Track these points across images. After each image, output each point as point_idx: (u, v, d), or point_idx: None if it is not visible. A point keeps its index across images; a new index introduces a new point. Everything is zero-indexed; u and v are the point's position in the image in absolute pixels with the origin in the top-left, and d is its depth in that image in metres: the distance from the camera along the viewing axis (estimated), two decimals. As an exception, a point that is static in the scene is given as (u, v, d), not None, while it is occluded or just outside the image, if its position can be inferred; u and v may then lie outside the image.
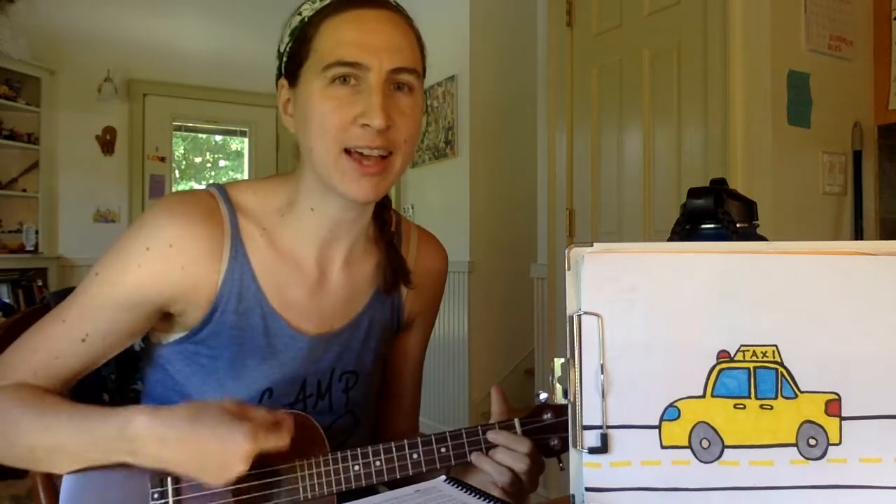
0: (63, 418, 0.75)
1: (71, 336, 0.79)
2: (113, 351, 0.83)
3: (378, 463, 0.78)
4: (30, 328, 0.82)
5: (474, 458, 0.80)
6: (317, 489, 0.77)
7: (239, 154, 5.75)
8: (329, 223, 0.86)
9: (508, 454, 0.79)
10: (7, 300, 4.00)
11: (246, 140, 5.29)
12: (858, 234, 2.08)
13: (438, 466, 0.80)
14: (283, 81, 0.84)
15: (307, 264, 0.88)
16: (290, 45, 0.82)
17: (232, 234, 0.84)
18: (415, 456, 0.79)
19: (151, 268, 0.79)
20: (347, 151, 0.78)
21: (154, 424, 0.70)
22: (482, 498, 0.69)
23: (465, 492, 0.71)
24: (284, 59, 0.83)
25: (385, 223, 0.93)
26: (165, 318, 0.85)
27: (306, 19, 0.80)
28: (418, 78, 0.80)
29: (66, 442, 0.74)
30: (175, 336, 0.86)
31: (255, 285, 0.84)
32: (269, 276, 0.85)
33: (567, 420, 0.66)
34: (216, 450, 0.69)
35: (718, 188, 0.79)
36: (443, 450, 0.80)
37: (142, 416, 0.71)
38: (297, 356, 0.87)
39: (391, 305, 0.95)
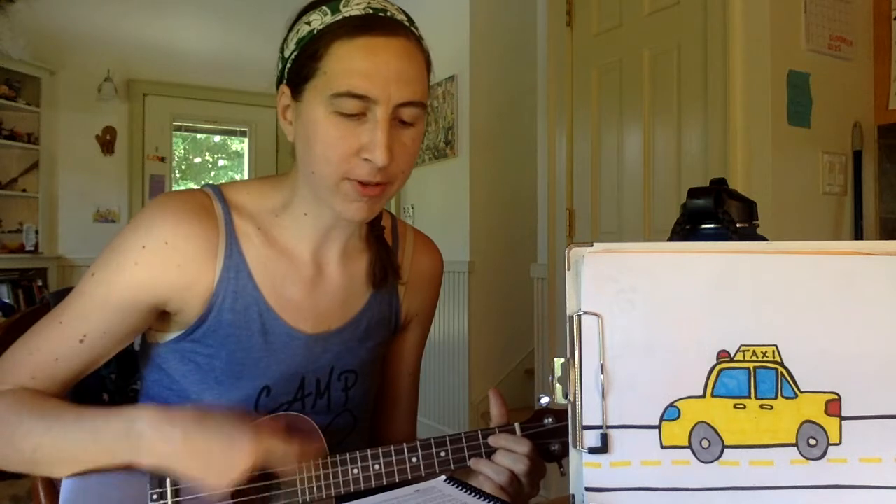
0: (66, 419, 0.74)
1: (69, 337, 0.79)
2: (111, 351, 0.83)
3: (377, 467, 0.78)
4: (28, 331, 0.81)
5: (472, 462, 0.80)
6: (315, 492, 0.76)
7: (239, 154, 5.76)
8: (322, 227, 0.87)
9: (508, 455, 0.79)
10: (7, 300, 4.00)
11: (246, 140, 5.30)
12: (858, 234, 2.08)
13: (438, 471, 0.80)
14: (285, 89, 0.81)
15: (303, 261, 0.88)
16: (295, 53, 0.79)
17: (227, 232, 0.84)
18: (414, 460, 0.79)
19: (148, 266, 0.80)
20: (347, 178, 0.78)
21: (160, 423, 0.70)
22: (482, 498, 0.69)
23: (465, 491, 0.71)
24: (289, 65, 0.80)
25: (375, 219, 0.93)
26: (162, 316, 0.85)
27: (315, 32, 0.77)
28: (424, 109, 0.80)
29: (70, 443, 0.73)
30: (172, 335, 0.86)
31: (252, 283, 0.84)
32: (265, 274, 0.85)
33: (567, 424, 0.66)
34: (221, 451, 0.69)
35: (718, 188, 0.79)
36: (442, 454, 0.80)
37: (147, 414, 0.72)
38: (294, 354, 0.87)
39: (389, 305, 0.96)
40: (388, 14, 0.78)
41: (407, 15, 0.81)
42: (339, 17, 0.77)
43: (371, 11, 0.77)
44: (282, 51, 0.83)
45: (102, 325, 0.80)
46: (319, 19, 0.78)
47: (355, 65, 0.75)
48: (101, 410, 0.75)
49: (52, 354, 0.79)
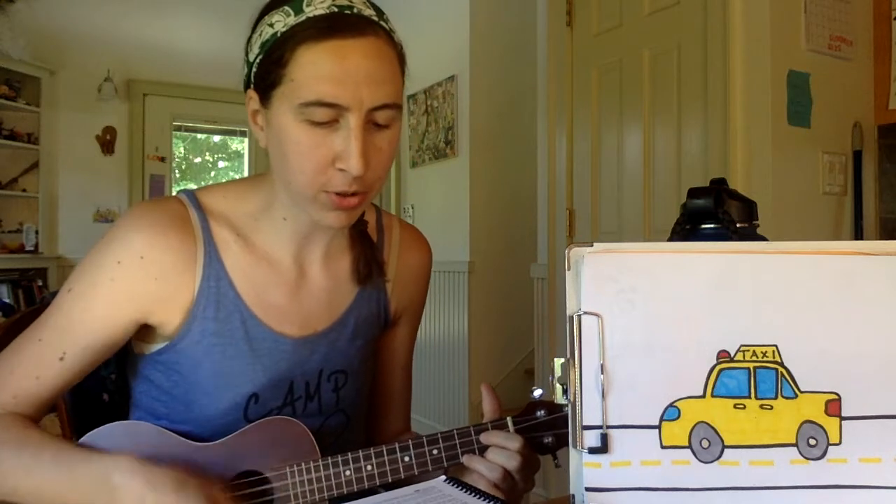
0: (44, 460, 0.73)
1: (48, 355, 0.78)
2: (93, 365, 0.81)
3: (369, 467, 0.77)
4: (7, 347, 0.80)
5: (466, 459, 0.79)
6: (308, 496, 0.76)
7: (239, 154, 5.76)
8: (303, 231, 0.86)
9: (500, 452, 0.78)
10: (7, 300, 4.00)
11: (246, 140, 5.30)
12: (858, 234, 2.08)
13: (431, 469, 0.79)
14: (253, 94, 0.78)
15: (285, 265, 0.86)
16: (260, 58, 0.76)
17: (205, 241, 0.82)
18: (406, 459, 0.78)
19: (124, 281, 0.78)
20: (324, 191, 0.76)
21: (137, 480, 0.69)
22: (482, 498, 0.69)
23: (465, 491, 0.71)
24: (254, 69, 0.77)
25: (359, 217, 0.91)
26: (145, 328, 0.83)
27: (279, 35, 0.73)
28: (399, 110, 0.76)
29: (48, 486, 0.72)
30: (156, 346, 0.84)
31: (233, 291, 0.83)
32: (246, 281, 0.84)
33: (560, 416, 0.65)
34: None
35: (718, 188, 0.79)
36: (434, 452, 0.79)
37: (126, 466, 0.70)
38: (281, 359, 0.85)
39: (377, 302, 0.94)
40: (355, 11, 0.74)
41: (375, 7, 0.77)
42: (302, 17, 0.73)
43: (336, 10, 0.73)
44: (246, 53, 0.79)
45: (82, 342, 0.79)
46: (282, 21, 0.74)
47: (323, 71, 0.71)
48: (80, 452, 0.74)
49: (32, 374, 0.78)
